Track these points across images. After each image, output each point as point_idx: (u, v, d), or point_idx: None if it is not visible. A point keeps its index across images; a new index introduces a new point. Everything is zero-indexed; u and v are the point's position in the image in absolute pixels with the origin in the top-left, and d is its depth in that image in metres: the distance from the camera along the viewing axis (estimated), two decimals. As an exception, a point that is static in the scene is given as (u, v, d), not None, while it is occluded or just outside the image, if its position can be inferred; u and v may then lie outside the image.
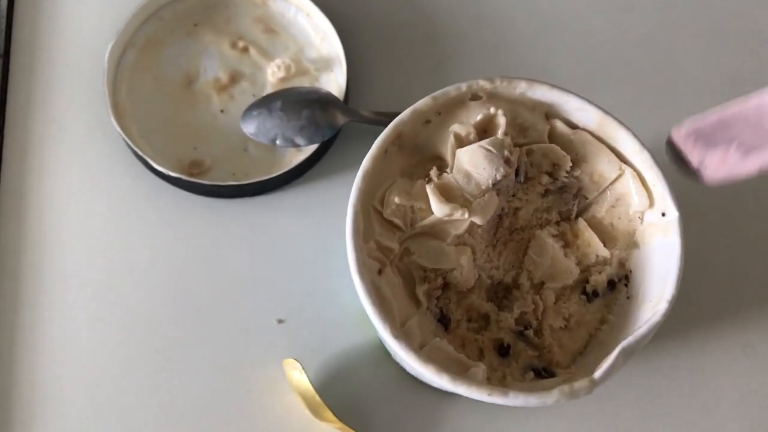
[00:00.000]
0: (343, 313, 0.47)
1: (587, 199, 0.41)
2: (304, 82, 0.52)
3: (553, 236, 0.41)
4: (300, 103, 0.48)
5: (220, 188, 0.48)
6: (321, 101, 0.48)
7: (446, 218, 0.38)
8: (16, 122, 0.51)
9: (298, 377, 0.43)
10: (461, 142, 0.39)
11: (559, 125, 0.40)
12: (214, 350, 0.46)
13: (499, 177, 0.38)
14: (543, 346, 0.40)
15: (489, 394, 0.34)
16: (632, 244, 0.40)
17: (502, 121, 0.39)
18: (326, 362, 0.46)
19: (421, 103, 0.39)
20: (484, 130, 0.39)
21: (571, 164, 0.40)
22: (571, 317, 0.40)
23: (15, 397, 0.45)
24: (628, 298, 0.40)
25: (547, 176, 0.41)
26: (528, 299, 0.40)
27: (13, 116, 0.51)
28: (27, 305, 0.47)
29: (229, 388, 0.45)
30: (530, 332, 0.39)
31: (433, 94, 0.39)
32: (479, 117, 0.39)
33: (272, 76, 0.51)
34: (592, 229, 0.41)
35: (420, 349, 0.35)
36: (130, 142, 0.48)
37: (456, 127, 0.39)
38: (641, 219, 0.40)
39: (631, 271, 0.40)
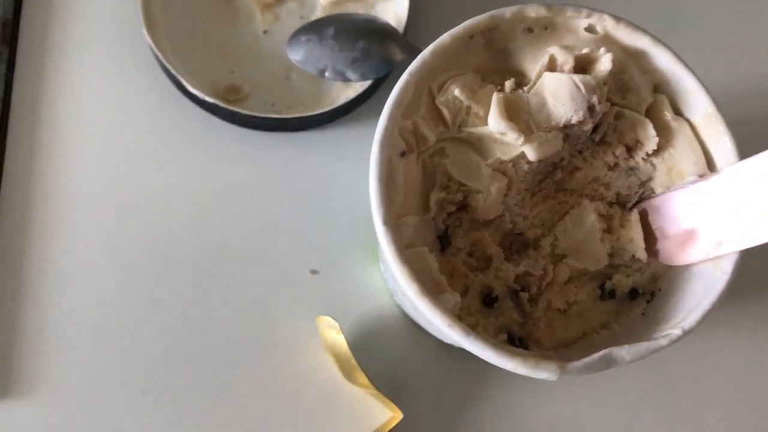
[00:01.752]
0: (382, 271, 0.42)
1: (653, 193, 0.36)
2: (358, 9, 0.46)
3: (599, 215, 0.36)
4: (355, 33, 0.43)
5: (258, 120, 0.43)
6: (379, 32, 0.43)
7: (498, 135, 0.33)
8: (33, 27, 0.46)
9: (334, 336, 0.40)
10: (553, 66, 0.34)
11: (665, 104, 0.35)
12: (240, 297, 0.42)
13: (574, 120, 0.33)
14: (531, 317, 0.35)
15: (449, 325, 0.30)
16: (676, 261, 0.35)
17: (606, 66, 0.34)
18: (360, 322, 0.42)
19: (533, 7, 0.34)
20: (583, 68, 0.34)
21: (655, 148, 0.35)
22: (575, 305, 0.36)
23: (21, 332, 0.41)
24: (643, 314, 0.36)
25: (624, 149, 0.36)
26: (540, 264, 0.36)
27: (29, 17, 0.46)
28: (37, 230, 0.42)
29: (255, 340, 0.42)
30: (525, 295, 0.35)
31: (550, 3, 0.34)
32: (585, 51, 0.34)
33: None
34: (642, 227, 0.36)
35: (404, 249, 0.31)
36: (162, 58, 0.43)
37: (555, 50, 0.34)
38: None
39: (660, 290, 0.36)
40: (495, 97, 0.33)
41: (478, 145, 0.35)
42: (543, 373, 0.30)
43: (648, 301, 0.35)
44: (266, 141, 0.45)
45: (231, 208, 0.44)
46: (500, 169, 0.35)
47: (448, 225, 0.35)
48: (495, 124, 0.33)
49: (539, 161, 0.34)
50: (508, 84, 0.34)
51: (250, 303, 0.42)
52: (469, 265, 0.36)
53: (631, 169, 0.36)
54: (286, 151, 0.45)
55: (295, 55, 0.43)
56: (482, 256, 0.36)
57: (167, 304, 0.42)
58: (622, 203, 0.37)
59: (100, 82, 0.45)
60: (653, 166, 0.35)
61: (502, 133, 0.33)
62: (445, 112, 0.34)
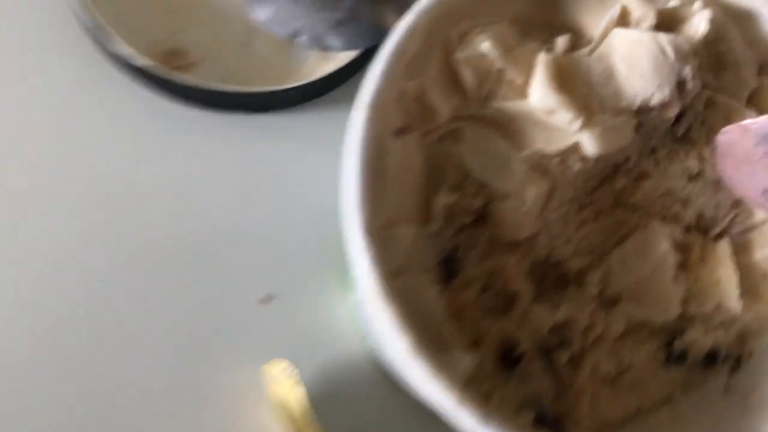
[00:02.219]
0: (351, 305, 0.34)
1: (751, 219, 0.27)
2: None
3: (674, 243, 0.27)
4: (340, -12, 0.36)
5: (206, 94, 0.35)
6: (371, -10, 0.36)
7: (543, 115, 0.23)
8: None
9: (287, 390, 0.32)
10: (626, 21, 0.24)
11: None
12: (163, 332, 0.33)
13: (656, 100, 0.23)
14: (569, 386, 0.26)
15: (460, 402, 0.19)
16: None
17: (701, 28, 0.24)
18: (324, 372, 0.34)
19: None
20: (668, 28, 0.24)
21: None
22: (628, 371, 0.27)
23: None
24: (725, 391, 0.27)
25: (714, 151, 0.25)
26: (586, 309, 0.26)
27: None
28: None
29: (180, 391, 0.32)
30: (563, 356, 0.26)
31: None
32: (672, 3, 0.24)
33: None
34: (734, 265, 0.27)
35: (391, 277, 0.21)
36: (78, 8, 0.35)
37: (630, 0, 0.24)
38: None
39: (751, 355, 0.27)
40: (542, 60, 0.24)
41: (511, 129, 0.25)
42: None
43: (732, 370, 0.27)
44: (215, 124, 0.36)
45: (160, 210, 0.35)
46: (541, 166, 0.25)
47: (457, 244, 0.26)
48: (540, 97, 0.24)
49: (598, 159, 0.25)
50: (561, 42, 0.25)
51: (176, 339, 0.33)
52: (484, 305, 0.26)
53: (720, 181, 0.27)
54: (241, 138, 0.37)
55: (260, 14, 0.36)
56: (504, 293, 0.26)
57: (70, 335, 0.33)
58: (704, 229, 0.28)
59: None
60: None
61: (550, 112, 0.24)
62: (467, 75, 0.24)
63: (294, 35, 0.36)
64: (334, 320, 0.34)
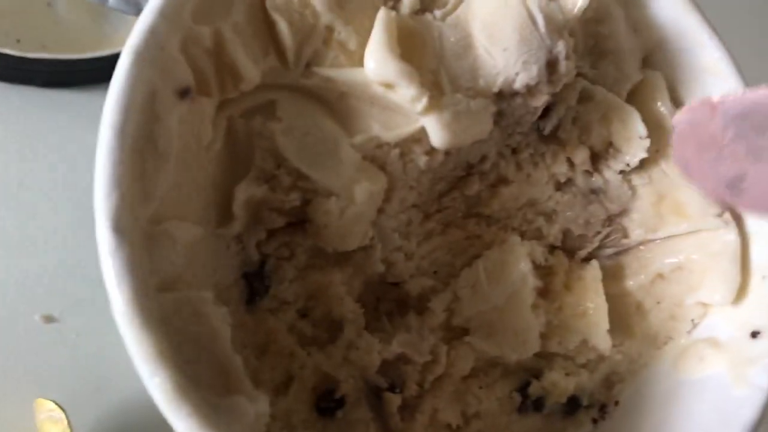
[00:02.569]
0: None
1: (626, 239, 0.23)
2: None
3: (535, 264, 0.23)
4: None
5: None
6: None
7: (380, 89, 0.18)
8: None
9: None
10: None
11: (661, 86, 0.22)
12: None
13: (521, 82, 0.19)
14: None
15: None
16: (653, 356, 0.23)
17: (580, 1, 0.19)
18: (107, 414, 0.29)
19: None
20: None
21: (640, 159, 0.22)
22: (475, 419, 0.23)
23: None
24: None
25: (586, 154, 0.23)
26: (426, 343, 0.22)
27: None
28: None
29: None
30: (394, 399, 0.21)
31: None
32: None
33: None
34: (605, 294, 0.23)
35: (156, 291, 0.15)
36: None
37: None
38: (694, 323, 0.23)
39: (617, 404, 0.24)
40: (383, 18, 0.20)
41: (341, 106, 0.20)
42: None
43: (595, 420, 0.24)
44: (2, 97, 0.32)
45: None
46: (377, 157, 0.20)
47: (267, 254, 0.20)
48: (378, 64, 0.19)
49: (448, 153, 0.21)
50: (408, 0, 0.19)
51: None
52: (300, 335, 0.21)
53: (594, 191, 0.23)
54: (33, 114, 0.32)
55: None
56: (326, 320, 0.22)
57: None
58: (570, 250, 0.24)
59: None
60: (632, 189, 0.23)
61: (389, 85, 0.19)
62: (284, 29, 0.18)
63: (106, -6, 0.31)
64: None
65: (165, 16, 0.16)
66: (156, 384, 0.15)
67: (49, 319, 0.30)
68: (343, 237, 0.20)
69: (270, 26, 0.19)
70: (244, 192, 0.19)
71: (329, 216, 0.19)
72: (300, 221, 0.20)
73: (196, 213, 0.18)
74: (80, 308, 0.31)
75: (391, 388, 0.22)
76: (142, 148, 0.16)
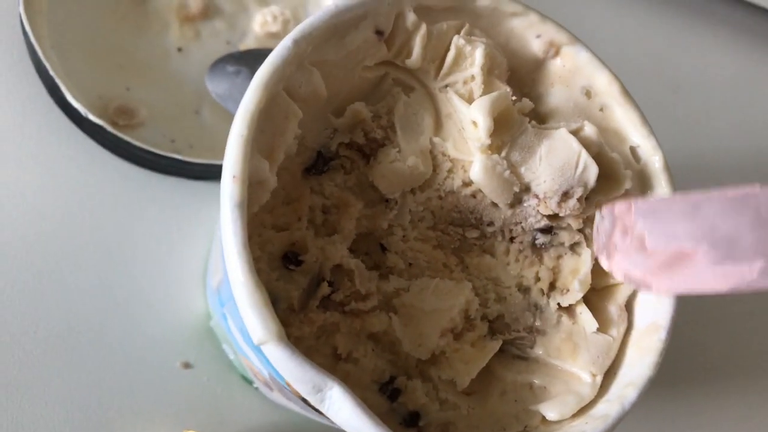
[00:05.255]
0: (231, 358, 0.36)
1: (530, 349, 0.29)
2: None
3: (466, 313, 0.28)
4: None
5: (150, 156, 0.36)
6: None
7: (466, 121, 0.27)
8: None
9: None
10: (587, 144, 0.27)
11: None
12: (72, 402, 0.34)
13: (541, 190, 0.27)
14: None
15: None
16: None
17: (593, 174, 0.27)
18: None
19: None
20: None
21: (575, 300, 0.28)
22: (351, 363, 0.27)
23: None
24: None
25: (550, 276, 0.29)
26: (371, 286, 0.28)
27: None
28: None
29: None
30: (325, 288, 0.27)
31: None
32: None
33: (260, 26, 0.39)
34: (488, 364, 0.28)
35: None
36: (38, 51, 0.34)
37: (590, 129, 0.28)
38: (526, 430, 0.28)
39: None
40: (504, 95, 0.27)
41: (442, 116, 0.28)
42: None
43: None
44: (154, 184, 0.37)
45: (86, 265, 0.35)
46: (435, 157, 0.28)
47: (338, 155, 0.28)
48: (478, 109, 0.27)
49: (474, 196, 0.28)
50: (526, 103, 0.28)
51: (89, 410, 0.34)
52: (313, 217, 0.28)
53: (536, 306, 0.29)
54: (180, 200, 0.37)
55: (216, 87, 0.36)
56: (332, 225, 0.28)
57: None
58: (496, 329, 0.29)
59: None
60: (558, 320, 0.28)
61: (475, 123, 0.26)
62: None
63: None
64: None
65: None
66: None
67: (186, 365, 0.36)
68: (383, 177, 0.27)
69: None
70: (362, 107, 0.27)
71: (386, 157, 0.27)
72: (368, 155, 0.28)
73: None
74: (211, 357, 0.36)
75: (330, 284, 0.27)
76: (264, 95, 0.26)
